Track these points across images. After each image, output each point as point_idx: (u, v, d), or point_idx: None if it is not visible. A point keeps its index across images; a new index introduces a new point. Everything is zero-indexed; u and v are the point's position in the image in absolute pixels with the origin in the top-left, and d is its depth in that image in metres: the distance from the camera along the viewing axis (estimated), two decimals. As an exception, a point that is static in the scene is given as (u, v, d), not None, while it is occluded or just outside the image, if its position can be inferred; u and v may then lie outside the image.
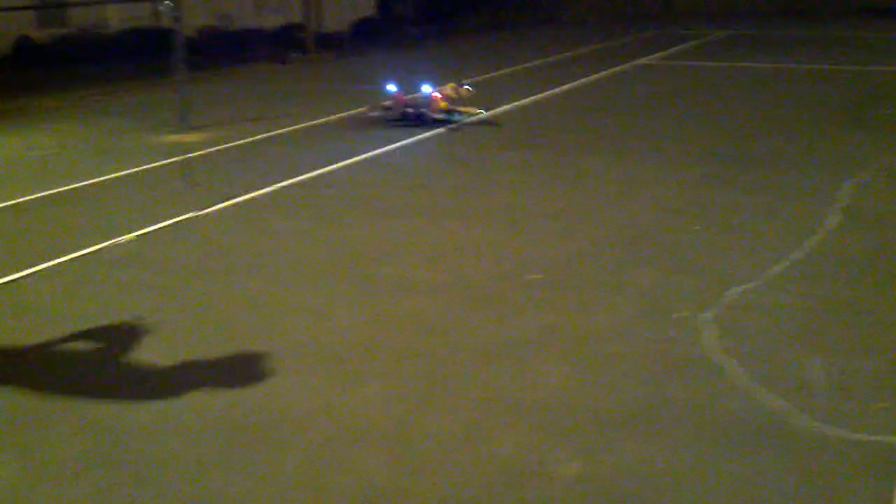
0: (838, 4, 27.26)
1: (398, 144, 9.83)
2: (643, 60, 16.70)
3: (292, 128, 10.97)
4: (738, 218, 6.93)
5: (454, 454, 3.76)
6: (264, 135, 10.55)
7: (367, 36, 23.30)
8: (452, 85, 11.46)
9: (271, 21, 22.93)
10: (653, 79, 14.83)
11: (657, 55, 17.51)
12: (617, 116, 11.51)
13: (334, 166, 8.85)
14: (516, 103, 12.26)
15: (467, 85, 11.61)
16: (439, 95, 11.01)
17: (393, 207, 7.48)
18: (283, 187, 8.09)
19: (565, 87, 13.70)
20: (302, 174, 8.52)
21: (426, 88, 11.18)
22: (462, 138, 10.26)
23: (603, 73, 15.09)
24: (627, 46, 19.32)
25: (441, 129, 10.56)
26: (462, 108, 11.13)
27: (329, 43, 20.99)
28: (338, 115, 11.72)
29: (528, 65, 16.65)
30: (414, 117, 10.87)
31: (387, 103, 11.20)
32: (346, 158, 9.13)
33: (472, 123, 10.88)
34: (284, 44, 20.29)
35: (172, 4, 10.57)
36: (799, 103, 11.99)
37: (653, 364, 4.54)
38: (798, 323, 4.98)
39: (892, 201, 7.22)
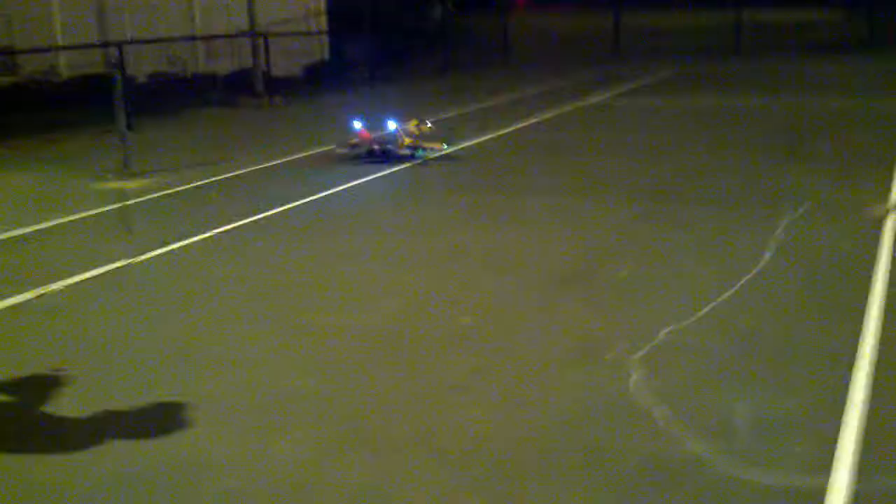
0: (784, 41, 27.91)
1: (344, 187, 9.80)
2: (592, 100, 16.89)
3: (236, 172, 10.90)
4: (674, 256, 6.96)
5: (366, 499, 3.67)
6: (207, 180, 10.47)
7: (319, 79, 23.38)
8: (415, 122, 11.63)
9: (224, 66, 22.90)
10: (599, 118, 15.00)
11: (605, 95, 17.72)
12: (562, 156, 11.59)
13: (274, 210, 8.79)
14: (465, 144, 12.30)
15: (429, 122, 11.76)
16: (402, 131, 11.26)
17: (331, 251, 7.42)
18: (221, 233, 8.01)
19: (514, 127, 13.79)
20: (242, 219, 8.44)
21: (391, 125, 11.41)
22: (407, 179, 10.26)
23: (551, 114, 15.22)
24: (570, 88, 19.53)
25: (384, 172, 10.55)
26: (426, 144, 11.34)
27: (280, 87, 21.03)
28: (284, 159, 11.68)
29: (478, 106, 16.76)
30: (380, 154, 11.02)
31: (353, 140, 11.33)
32: (291, 202, 9.07)
33: (424, 162, 10.90)
34: (236, 88, 20.29)
35: (117, 53, 10.53)
36: (739, 139, 12.17)
37: (579, 407, 4.50)
38: (726, 363, 4.97)
39: (826, 238, 7.28)
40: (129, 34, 21.64)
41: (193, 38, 22.80)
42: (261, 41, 19.27)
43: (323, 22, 26.81)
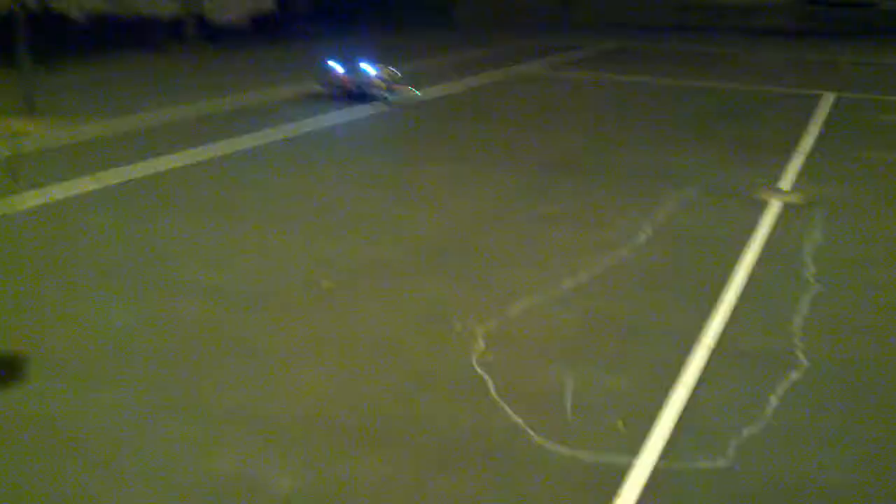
0: (731, 23, 28.05)
1: (240, 140, 9.65)
2: (519, 69, 16.81)
3: (146, 120, 10.66)
4: (552, 230, 6.98)
5: (179, 466, 3.64)
6: (113, 126, 10.22)
7: (264, 30, 22.97)
8: (387, 68, 12.60)
9: (168, 8, 22.32)
10: (526, 88, 14.95)
11: (534, 65, 17.65)
12: (474, 123, 11.54)
13: (164, 167, 8.62)
14: (367, 112, 12.18)
15: (395, 71, 12.73)
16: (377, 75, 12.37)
17: (208, 206, 7.31)
18: (111, 183, 7.85)
19: (438, 92, 13.66)
20: (129, 172, 8.27)
21: (369, 69, 12.38)
22: (299, 148, 10.15)
23: (475, 81, 15.12)
24: (509, 54, 19.41)
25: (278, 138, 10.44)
26: (396, 87, 12.45)
27: (220, 35, 20.58)
28: (192, 110, 11.47)
29: (409, 66, 16.57)
30: (357, 94, 12.16)
31: (332, 81, 12.45)
32: (178, 155, 8.92)
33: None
34: (174, 33, 19.81)
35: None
36: (655, 117, 12.22)
37: (414, 376, 4.51)
38: (570, 338, 5.02)
39: (706, 220, 7.36)
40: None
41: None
42: (193, -13, 18.78)
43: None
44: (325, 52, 14.03)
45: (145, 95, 12.51)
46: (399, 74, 12.73)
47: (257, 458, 3.73)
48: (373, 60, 12.68)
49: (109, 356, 4.61)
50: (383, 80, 12.38)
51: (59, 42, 16.92)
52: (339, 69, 12.42)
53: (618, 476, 3.66)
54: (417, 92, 12.69)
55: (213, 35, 19.97)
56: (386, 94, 12.30)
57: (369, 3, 27.63)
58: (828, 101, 13.66)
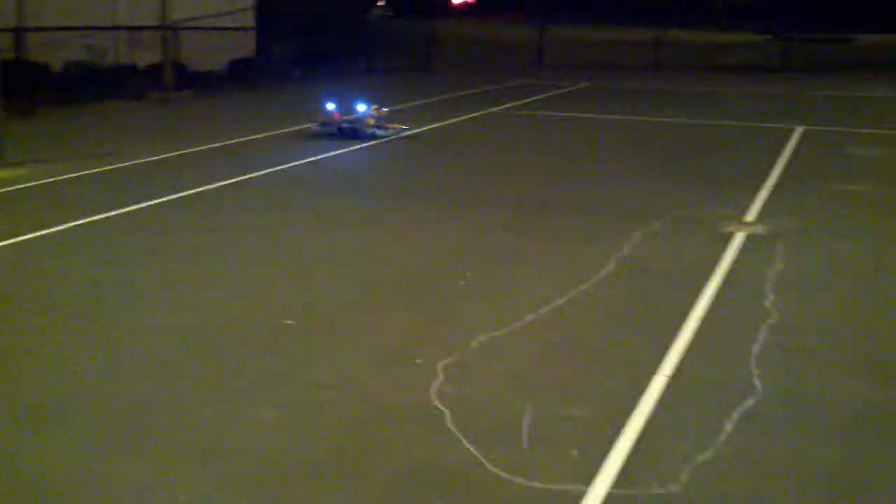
0: (704, 61, 28.49)
1: (211, 186, 9.71)
2: (494, 109, 17.02)
3: (113, 166, 10.71)
4: (517, 265, 7.05)
5: (127, 505, 3.64)
6: (81, 173, 10.27)
7: (243, 75, 23.18)
8: (375, 107, 13.33)
9: (145, 58, 22.48)
10: (495, 126, 15.13)
11: (509, 104, 17.87)
12: (443, 161, 11.67)
13: (137, 206, 8.67)
14: (348, 149, 12.29)
15: (384, 108, 13.63)
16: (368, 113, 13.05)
17: (177, 249, 7.34)
18: (77, 226, 7.88)
19: (408, 133, 13.80)
20: (100, 213, 8.31)
21: (361, 107, 13.05)
22: (272, 187, 10.23)
23: (450, 121, 15.30)
24: (485, 95, 19.66)
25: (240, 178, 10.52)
26: (389, 125, 13.11)
27: (199, 82, 20.75)
28: (163, 155, 11.54)
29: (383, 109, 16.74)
30: (350, 132, 12.71)
31: (326, 119, 13.01)
32: (155, 198, 8.97)
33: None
34: (153, 82, 19.94)
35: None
36: (623, 153, 12.39)
37: (372, 410, 4.53)
38: (529, 371, 5.05)
39: (672, 252, 7.45)
40: (45, 21, 21.16)
41: (110, 28, 22.39)
42: (169, 34, 18.96)
43: (250, 18, 26.64)
44: (311, 96, 14.34)
45: (118, 142, 12.59)
46: (387, 111, 13.55)
47: (212, 493, 3.73)
48: (364, 100, 13.45)
49: (65, 397, 4.61)
50: (373, 118, 13.01)
51: (37, 91, 17.03)
52: (332, 108, 13.04)
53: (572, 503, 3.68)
54: (405, 126, 13.35)
55: (191, 82, 20.12)
56: (375, 131, 12.85)
57: (349, 48, 27.99)
58: (797, 134, 13.87)
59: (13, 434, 4.21)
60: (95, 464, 3.95)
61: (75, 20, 21.75)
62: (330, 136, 12.87)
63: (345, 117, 12.96)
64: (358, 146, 12.34)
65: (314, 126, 13.21)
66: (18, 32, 15.85)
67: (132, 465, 3.94)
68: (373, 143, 12.69)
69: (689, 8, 42.86)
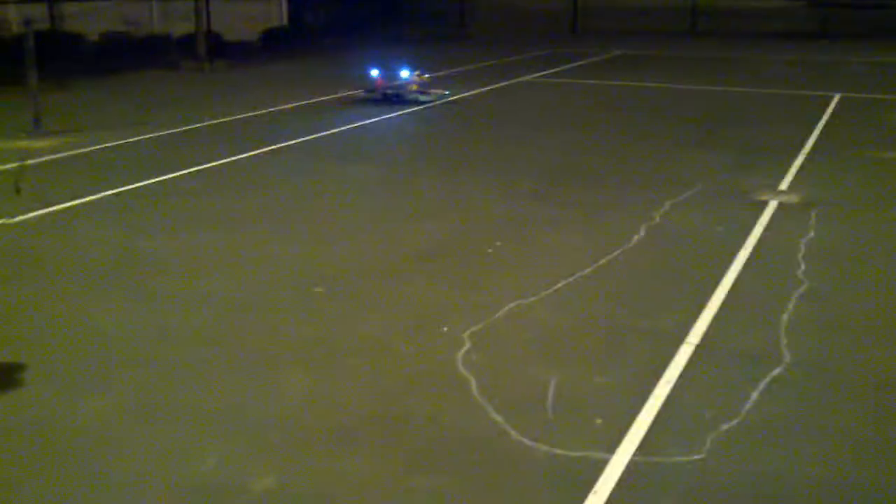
0: (740, 28, 28.04)
1: (245, 155, 9.79)
2: (527, 77, 16.91)
3: (146, 136, 10.82)
4: (549, 233, 7.05)
5: (164, 467, 3.73)
6: (115, 143, 10.39)
7: (276, 45, 23.26)
8: (417, 73, 13.79)
9: (180, 28, 22.62)
10: (527, 95, 15.04)
11: (542, 73, 17.74)
12: (474, 129, 11.63)
13: (170, 175, 8.77)
14: (382, 117, 12.30)
15: (426, 74, 14.08)
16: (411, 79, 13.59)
17: (211, 218, 7.42)
18: (108, 196, 7.99)
19: (442, 100, 13.77)
20: (133, 182, 8.42)
21: (404, 73, 13.57)
22: (289, 157, 10.28)
23: (482, 89, 15.23)
24: (518, 64, 19.53)
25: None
26: (431, 91, 13.59)
27: (231, 51, 20.84)
28: (196, 125, 11.63)
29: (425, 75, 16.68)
30: (394, 97, 13.22)
31: (369, 86, 13.49)
32: (187, 168, 9.06)
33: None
34: (186, 51, 20.05)
35: (29, 14, 10.38)
36: (658, 122, 12.27)
37: (400, 377, 4.58)
38: (557, 339, 5.07)
39: (703, 221, 7.38)
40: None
41: (144, -1, 22.59)
42: (203, 4, 19.02)
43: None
44: (342, 64, 14.39)
45: (152, 112, 12.70)
46: (428, 77, 13.99)
47: (241, 457, 3.81)
48: (406, 66, 13.90)
49: (99, 362, 4.71)
50: (416, 83, 13.54)
51: (73, 61, 17.19)
52: (375, 75, 13.51)
53: (594, 471, 3.70)
54: (446, 92, 13.80)
55: (225, 52, 20.20)
56: (418, 96, 13.38)
57: (384, 16, 27.90)
58: (835, 102, 13.64)
59: (50, 396, 4.32)
60: (128, 426, 4.05)
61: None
62: (374, 101, 13.28)
63: (388, 83, 13.42)
64: (397, 112, 12.38)
65: (363, 92, 13.63)
66: (51, 3, 15.94)
67: (163, 428, 4.04)
68: (413, 109, 12.74)
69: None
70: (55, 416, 4.14)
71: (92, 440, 3.95)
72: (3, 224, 7.05)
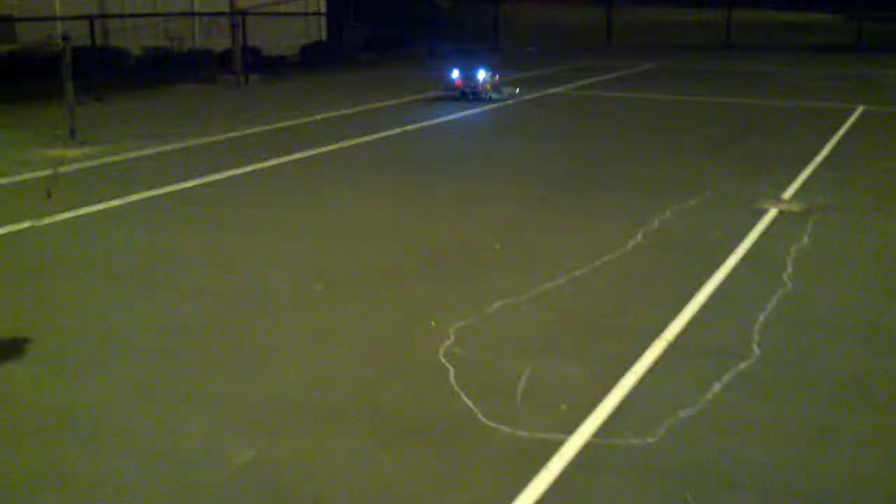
0: (773, 41, 28.04)
1: (269, 164, 10.18)
2: (555, 90, 17.18)
3: (175, 146, 11.28)
4: (549, 236, 7.31)
5: (156, 440, 4.07)
6: (147, 151, 10.86)
7: (314, 59, 23.84)
8: (491, 74, 15.48)
9: (220, 43, 23.26)
10: (553, 106, 15.32)
11: (572, 85, 18.00)
12: (497, 141, 11.92)
13: (193, 182, 9.18)
14: (410, 126, 12.65)
15: (497, 75, 15.71)
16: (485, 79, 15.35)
17: (220, 223, 7.80)
18: (133, 200, 8.41)
19: (469, 111, 14.10)
20: (158, 188, 8.84)
21: (480, 74, 15.28)
22: (305, 169, 10.64)
23: (511, 102, 15.55)
24: (549, 77, 19.81)
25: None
26: (503, 89, 15.51)
27: (269, 66, 21.42)
28: (227, 135, 12.08)
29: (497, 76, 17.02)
30: (471, 95, 15.12)
31: (449, 85, 15.46)
32: (211, 175, 9.47)
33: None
34: (226, 65, 20.64)
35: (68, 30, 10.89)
36: (676, 133, 12.46)
37: (384, 366, 4.88)
38: (536, 334, 5.33)
39: (700, 227, 7.58)
40: (127, 8, 22.09)
41: (187, 13, 23.28)
42: (239, 20, 19.59)
43: (321, 4, 27.30)
44: (371, 79, 14.86)
45: (182, 123, 13.20)
46: (499, 78, 15.64)
47: (227, 433, 4.13)
48: (484, 67, 15.58)
49: (110, 347, 5.08)
50: (490, 83, 15.24)
51: (114, 75, 17.84)
52: (455, 76, 15.33)
53: (550, 451, 3.96)
54: (518, 90, 15.91)
55: (262, 66, 20.77)
56: (491, 95, 15.19)
57: (418, 31, 28.39)
58: (856, 114, 13.72)
59: (63, 378, 4.68)
60: (123, 404, 4.40)
61: (154, 8, 22.73)
62: (453, 98, 15.33)
63: (466, 83, 15.26)
64: (418, 125, 12.74)
65: (445, 91, 15.58)
66: (92, 20, 16.59)
67: (156, 406, 4.37)
68: (425, 123, 13.10)
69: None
70: (58, 394, 4.50)
71: (88, 415, 4.29)
72: (31, 226, 7.49)
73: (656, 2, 42.62)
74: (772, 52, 25.72)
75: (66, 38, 10.89)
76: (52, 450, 4.00)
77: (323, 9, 27.30)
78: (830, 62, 22.65)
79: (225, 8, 21.46)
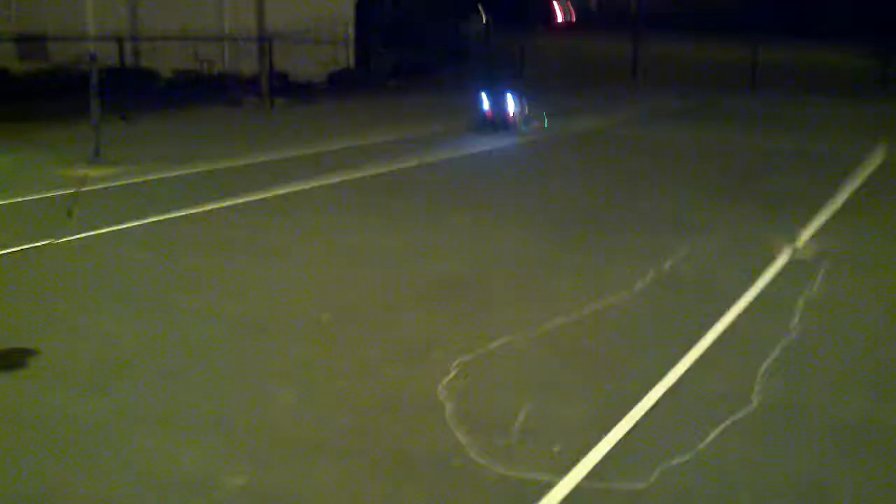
0: (800, 81, 27.98)
1: (282, 191, 10.29)
2: (582, 123, 17.34)
3: (199, 169, 11.43)
4: (556, 274, 7.33)
5: (150, 463, 4.12)
6: (167, 174, 11.02)
7: (341, 85, 24.11)
8: (520, 105, 15.83)
9: (249, 67, 23.57)
10: (577, 141, 15.42)
11: (597, 119, 18.10)
12: (517, 174, 12.01)
13: (211, 206, 9.30)
14: (430, 158, 12.76)
15: (527, 106, 15.97)
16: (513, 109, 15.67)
17: (235, 247, 7.90)
18: (151, 222, 8.54)
19: (497, 144, 14.20)
20: (175, 211, 8.96)
21: (510, 105, 15.60)
22: (308, 199, 10.74)
23: (539, 135, 15.69)
24: (576, 110, 19.89)
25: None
26: (533, 120, 15.70)
27: (296, 91, 21.68)
28: (244, 161, 12.24)
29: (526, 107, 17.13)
30: (501, 125, 15.37)
31: (481, 116, 15.61)
32: (228, 200, 9.59)
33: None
34: (253, 89, 20.91)
35: (93, 51, 11.12)
36: (693, 172, 12.48)
37: (382, 399, 4.91)
38: (536, 373, 5.34)
39: (710, 270, 7.58)
40: (158, 30, 22.47)
41: (214, 38, 23.65)
42: (267, 45, 19.87)
43: (350, 31, 27.63)
44: (397, 104, 15.03)
45: (206, 146, 13.37)
46: (528, 108, 15.93)
47: (219, 459, 4.18)
48: (514, 97, 15.77)
49: (113, 367, 5.17)
50: (519, 115, 15.59)
51: (142, 96, 18.13)
52: (486, 107, 15.57)
53: (538, 492, 3.97)
54: (546, 122, 16.09)
55: (290, 90, 21.02)
56: (522, 126, 15.55)
57: (445, 58, 28.61)
58: (879, 157, 13.66)
59: (63, 395, 4.76)
60: (119, 425, 4.46)
61: (185, 31, 23.10)
62: (481, 128, 15.42)
63: (495, 114, 15.55)
64: (442, 156, 12.83)
65: (476, 121, 15.66)
66: (121, 42, 16.90)
67: (156, 431, 4.43)
68: (472, 151, 13.19)
69: (793, 26, 41.83)
70: (57, 412, 4.57)
71: (85, 434, 4.36)
72: (49, 244, 7.62)
73: (682, 38, 42.60)
74: (797, 92, 25.64)
75: (92, 58, 11.10)
76: (45, 468, 4.06)
77: (352, 36, 27.62)
78: (856, 102, 22.58)
79: (254, 33, 21.78)
